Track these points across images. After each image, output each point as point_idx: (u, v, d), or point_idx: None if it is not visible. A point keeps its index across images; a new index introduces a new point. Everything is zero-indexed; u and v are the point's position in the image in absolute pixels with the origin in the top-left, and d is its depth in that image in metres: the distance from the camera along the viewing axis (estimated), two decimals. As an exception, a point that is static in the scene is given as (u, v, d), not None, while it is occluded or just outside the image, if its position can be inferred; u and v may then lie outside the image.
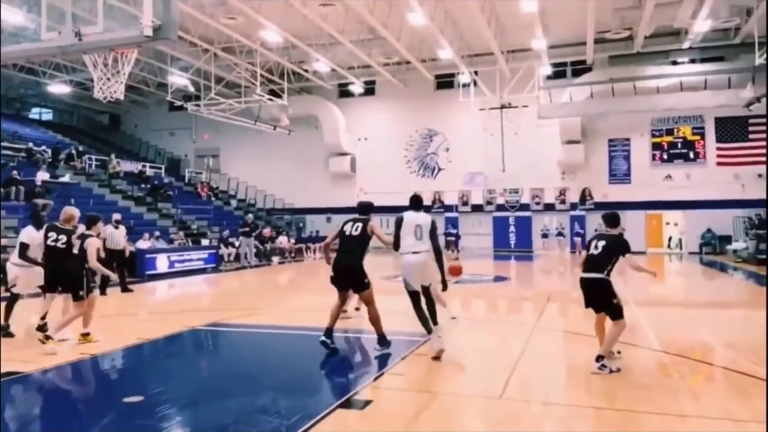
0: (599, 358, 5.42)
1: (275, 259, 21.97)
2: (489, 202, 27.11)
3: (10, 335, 7.23)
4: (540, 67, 23.00)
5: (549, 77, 24.42)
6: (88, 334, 7.06)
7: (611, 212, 6.01)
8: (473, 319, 9.69)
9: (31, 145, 22.20)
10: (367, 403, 4.65)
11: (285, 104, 24.27)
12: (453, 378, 5.53)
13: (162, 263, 16.28)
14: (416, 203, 6.42)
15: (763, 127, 23.13)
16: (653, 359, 6.26)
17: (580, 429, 4.28)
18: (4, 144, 21.55)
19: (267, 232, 22.97)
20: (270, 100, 23.58)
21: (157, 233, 18.28)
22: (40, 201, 17.13)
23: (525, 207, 26.54)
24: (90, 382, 5.95)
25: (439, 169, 28.01)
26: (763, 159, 23.22)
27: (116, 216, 12.84)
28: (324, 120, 28.12)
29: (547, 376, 5.67)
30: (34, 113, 32.86)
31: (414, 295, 6.15)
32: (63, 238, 6.77)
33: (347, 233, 6.32)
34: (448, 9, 19.22)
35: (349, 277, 6.27)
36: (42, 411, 4.98)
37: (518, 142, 25.65)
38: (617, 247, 5.64)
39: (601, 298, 5.60)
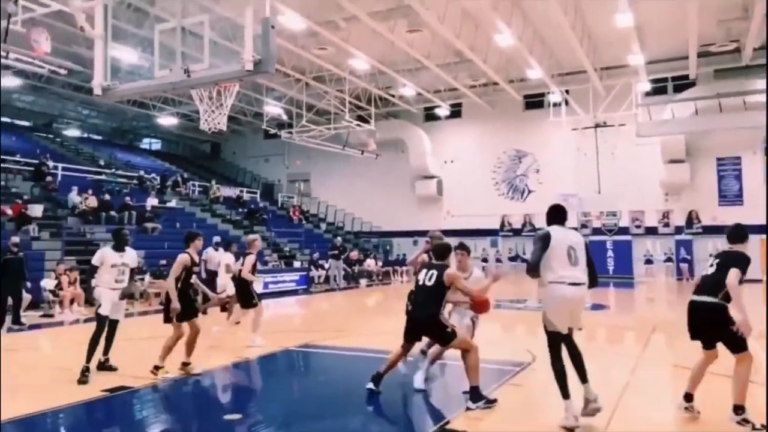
0: (739, 409, 4.55)
1: (363, 281, 22.27)
2: (584, 225, 26.00)
3: (111, 369, 6.73)
4: (637, 83, 21.97)
5: (648, 93, 23.26)
6: (188, 363, 6.70)
7: (733, 224, 4.99)
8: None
9: (142, 173, 24.18)
10: (461, 433, 4.55)
11: (372, 129, 24.83)
12: (551, 410, 5.29)
13: (257, 284, 16.96)
14: (562, 215, 4.99)
15: None
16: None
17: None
18: (119, 172, 23.64)
19: (355, 254, 23.39)
20: (358, 125, 24.23)
21: (253, 255, 19.12)
22: (149, 225, 18.56)
23: (624, 230, 25.18)
24: (192, 399, 6.26)
25: (529, 191, 27.32)
26: None
27: (216, 239, 13.63)
28: (410, 143, 28.43)
29: (656, 411, 5.28)
30: (145, 143, 35.85)
31: (558, 339, 4.78)
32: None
33: (420, 282, 5.54)
34: (536, 28, 18.93)
35: (423, 331, 5.59)
36: (147, 425, 5.30)
37: (615, 162, 24.48)
38: (729, 261, 4.65)
39: (712, 327, 4.70)
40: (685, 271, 22.67)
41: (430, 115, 28.77)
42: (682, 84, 23.30)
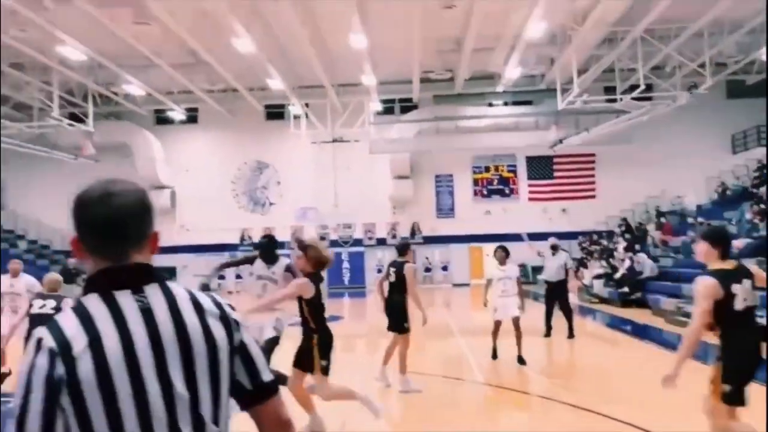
0: None
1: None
2: (322, 238, 27.37)
3: None
4: (370, 102, 24.16)
5: (379, 113, 25.77)
6: None
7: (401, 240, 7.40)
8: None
9: None
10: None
11: (90, 130, 22.21)
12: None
13: None
14: None
15: (566, 166, 26.86)
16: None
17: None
18: None
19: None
20: (70, 125, 21.43)
21: None
22: None
23: (358, 242, 27.29)
24: None
25: (270, 204, 27.71)
26: (566, 195, 26.85)
27: None
28: (137, 149, 26.26)
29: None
30: None
31: None
32: None
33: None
34: (277, 37, 19.37)
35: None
36: None
37: (350, 177, 26.49)
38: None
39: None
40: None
41: (162, 119, 27.15)
42: (408, 106, 26.49)
